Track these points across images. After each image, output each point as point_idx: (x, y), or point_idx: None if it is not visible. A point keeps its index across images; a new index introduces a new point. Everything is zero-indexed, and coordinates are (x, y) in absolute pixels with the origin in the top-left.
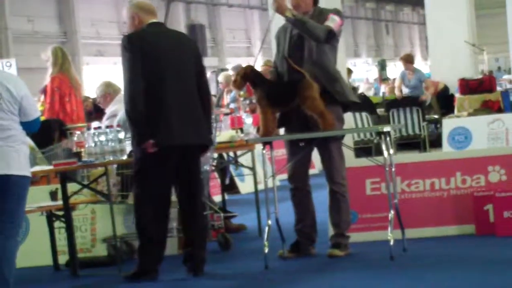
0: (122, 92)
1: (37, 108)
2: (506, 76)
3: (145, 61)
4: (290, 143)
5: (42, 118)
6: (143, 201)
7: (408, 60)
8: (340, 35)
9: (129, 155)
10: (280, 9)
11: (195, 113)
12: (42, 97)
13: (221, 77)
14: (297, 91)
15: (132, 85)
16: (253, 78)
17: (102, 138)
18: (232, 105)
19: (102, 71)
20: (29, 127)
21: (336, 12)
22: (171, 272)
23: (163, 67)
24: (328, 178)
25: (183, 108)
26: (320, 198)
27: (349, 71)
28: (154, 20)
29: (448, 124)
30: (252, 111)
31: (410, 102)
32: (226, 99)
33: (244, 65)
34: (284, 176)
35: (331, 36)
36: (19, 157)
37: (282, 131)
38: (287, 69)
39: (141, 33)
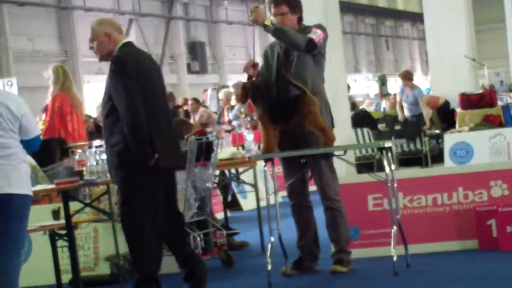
0: None
1: (37, 127)
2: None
3: (138, 84)
4: (285, 160)
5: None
6: (143, 230)
7: (407, 77)
8: (324, 50)
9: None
10: (258, 19)
11: (175, 134)
12: (44, 116)
13: (221, 94)
14: (298, 107)
15: (136, 106)
16: (253, 91)
17: (104, 156)
18: (234, 122)
19: (103, 89)
20: (29, 145)
21: (319, 26)
22: None
23: (152, 89)
24: (321, 195)
25: (169, 129)
26: (322, 214)
27: (347, 87)
28: (127, 40)
29: (450, 139)
30: (254, 128)
31: (412, 131)
32: (227, 116)
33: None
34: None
35: (312, 46)
36: (19, 176)
37: None
38: (276, 82)
39: (129, 54)
